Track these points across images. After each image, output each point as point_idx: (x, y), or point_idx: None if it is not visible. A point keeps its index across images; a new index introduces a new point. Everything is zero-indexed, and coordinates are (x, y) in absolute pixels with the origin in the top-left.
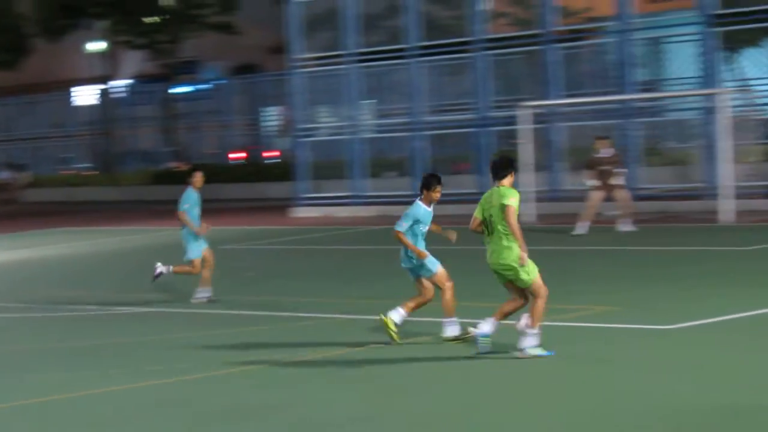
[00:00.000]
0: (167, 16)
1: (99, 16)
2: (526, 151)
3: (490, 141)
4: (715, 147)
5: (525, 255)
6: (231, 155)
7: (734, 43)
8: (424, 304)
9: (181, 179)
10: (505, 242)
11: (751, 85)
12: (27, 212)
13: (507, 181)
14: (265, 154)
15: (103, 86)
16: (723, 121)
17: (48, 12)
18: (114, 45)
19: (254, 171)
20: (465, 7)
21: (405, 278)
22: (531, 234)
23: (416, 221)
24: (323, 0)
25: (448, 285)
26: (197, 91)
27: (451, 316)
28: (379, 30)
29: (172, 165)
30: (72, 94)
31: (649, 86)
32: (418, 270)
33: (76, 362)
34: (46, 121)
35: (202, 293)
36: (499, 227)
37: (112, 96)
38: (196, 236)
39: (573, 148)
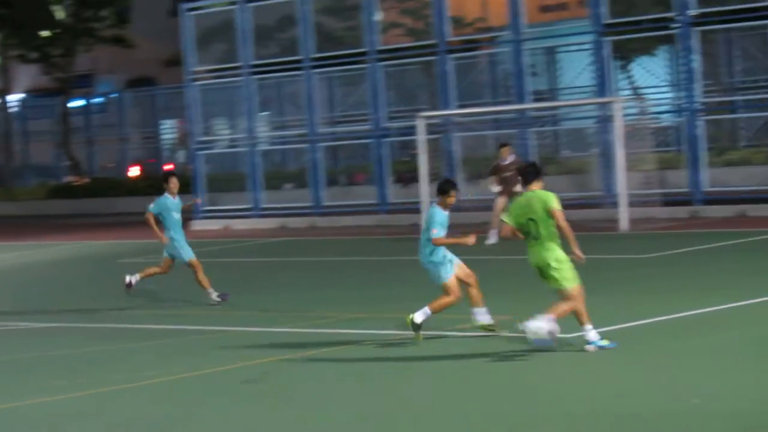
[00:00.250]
0: (60, 30)
1: None
2: (423, 162)
3: (387, 152)
4: (611, 155)
5: (580, 252)
6: (130, 168)
7: (627, 52)
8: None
9: (78, 194)
10: (548, 244)
11: (645, 94)
12: None
13: (537, 185)
14: (165, 168)
15: None
16: (618, 129)
17: None
18: (6, 59)
19: (153, 184)
20: (358, 18)
21: (304, 289)
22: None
23: (441, 224)
24: (217, 12)
25: (472, 278)
26: (93, 104)
27: (480, 306)
28: (274, 42)
29: (70, 179)
30: None
31: (544, 95)
32: (437, 273)
33: None
34: None
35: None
36: (543, 231)
37: (7, 110)
38: (183, 239)
39: (470, 158)
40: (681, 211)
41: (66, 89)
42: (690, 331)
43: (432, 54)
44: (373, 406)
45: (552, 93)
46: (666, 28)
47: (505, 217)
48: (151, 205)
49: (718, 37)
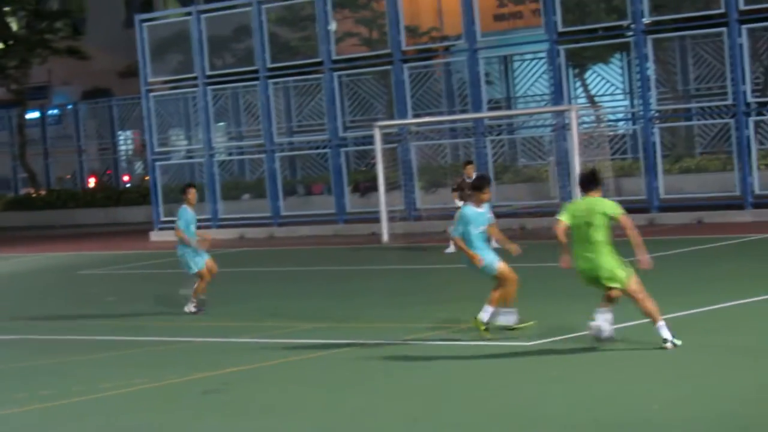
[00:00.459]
0: (14, 42)
1: None
2: (380, 171)
3: (344, 161)
4: (567, 163)
5: (647, 257)
6: (89, 180)
7: (582, 60)
8: (508, 293)
9: (36, 205)
10: (603, 249)
11: (600, 102)
12: None
13: (596, 193)
14: (125, 179)
15: None
16: (574, 137)
17: None
18: None
19: (110, 195)
20: (313, 28)
21: (263, 299)
22: (388, 253)
23: (466, 223)
24: (172, 23)
25: (512, 278)
26: (49, 116)
27: (509, 306)
28: (230, 52)
29: (27, 191)
30: None
31: (500, 104)
32: (479, 271)
33: None
34: None
35: (192, 305)
36: (599, 236)
37: None
38: (195, 251)
39: (427, 167)
40: (638, 219)
41: (21, 101)
42: (648, 339)
43: (387, 63)
44: (335, 416)
45: (508, 101)
46: (620, 36)
47: (561, 216)
48: (179, 222)
49: (673, 45)
